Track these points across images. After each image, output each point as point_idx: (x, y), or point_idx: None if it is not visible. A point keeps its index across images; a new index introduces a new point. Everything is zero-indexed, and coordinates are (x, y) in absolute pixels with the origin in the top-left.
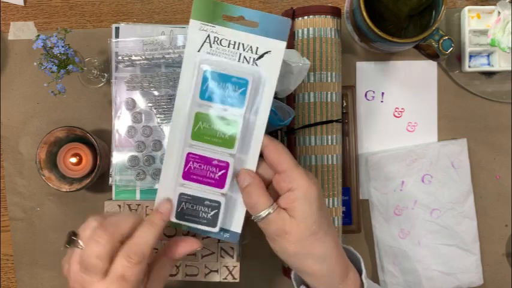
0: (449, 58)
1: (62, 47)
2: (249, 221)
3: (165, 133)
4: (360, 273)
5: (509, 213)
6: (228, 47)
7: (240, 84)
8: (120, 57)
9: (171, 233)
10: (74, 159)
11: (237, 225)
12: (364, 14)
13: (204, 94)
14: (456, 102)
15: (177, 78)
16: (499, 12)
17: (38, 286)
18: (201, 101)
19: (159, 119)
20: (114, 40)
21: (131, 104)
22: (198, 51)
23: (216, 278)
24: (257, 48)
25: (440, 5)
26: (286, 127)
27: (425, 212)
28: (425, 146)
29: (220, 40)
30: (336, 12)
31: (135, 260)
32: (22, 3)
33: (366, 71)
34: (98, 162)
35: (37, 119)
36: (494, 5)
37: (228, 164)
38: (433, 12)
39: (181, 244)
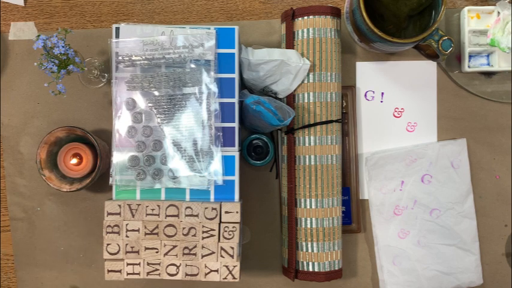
0: (449, 58)
1: (63, 47)
2: (249, 221)
3: (165, 133)
4: None
5: (509, 213)
6: None
7: None
8: (120, 58)
9: (171, 232)
10: (74, 159)
11: None
12: (364, 14)
13: None
14: (456, 103)
15: (177, 78)
16: (498, 13)
17: (38, 286)
18: None
19: (159, 119)
20: (114, 40)
21: (131, 104)
22: None
23: (216, 278)
24: None
25: (440, 5)
26: (286, 127)
27: (425, 211)
28: (424, 146)
29: None
30: (335, 12)
31: None
32: (22, 4)
33: (366, 71)
34: (98, 162)
35: (37, 119)
36: (494, 5)
37: None
38: (433, 13)
39: None
